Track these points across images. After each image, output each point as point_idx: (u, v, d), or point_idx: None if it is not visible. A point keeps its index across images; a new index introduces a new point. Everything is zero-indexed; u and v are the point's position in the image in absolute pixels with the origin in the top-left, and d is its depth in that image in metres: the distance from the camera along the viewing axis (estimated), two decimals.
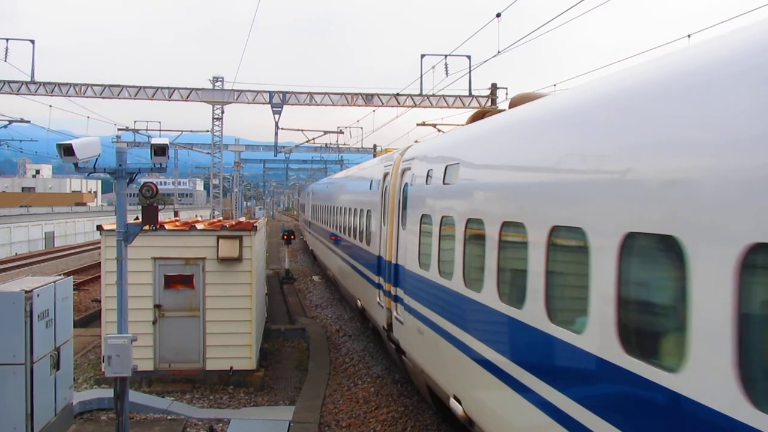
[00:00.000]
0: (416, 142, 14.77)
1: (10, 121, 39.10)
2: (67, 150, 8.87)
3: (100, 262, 14.51)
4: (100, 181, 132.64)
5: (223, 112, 43.82)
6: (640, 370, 4.92)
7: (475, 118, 12.15)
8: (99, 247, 15.33)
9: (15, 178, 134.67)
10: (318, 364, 16.72)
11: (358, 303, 18.29)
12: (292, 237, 34.68)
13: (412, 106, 32.77)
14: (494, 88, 32.22)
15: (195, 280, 14.61)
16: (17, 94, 31.34)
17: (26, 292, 9.98)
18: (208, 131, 46.83)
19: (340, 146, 61.82)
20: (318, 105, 33.42)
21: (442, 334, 9.74)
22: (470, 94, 32.11)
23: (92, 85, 32.15)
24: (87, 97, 32.19)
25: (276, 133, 37.78)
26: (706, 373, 4.29)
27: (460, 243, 8.99)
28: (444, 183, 10.07)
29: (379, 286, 14.88)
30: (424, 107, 32.53)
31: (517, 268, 7.19)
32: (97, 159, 9.44)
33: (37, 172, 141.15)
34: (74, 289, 23.00)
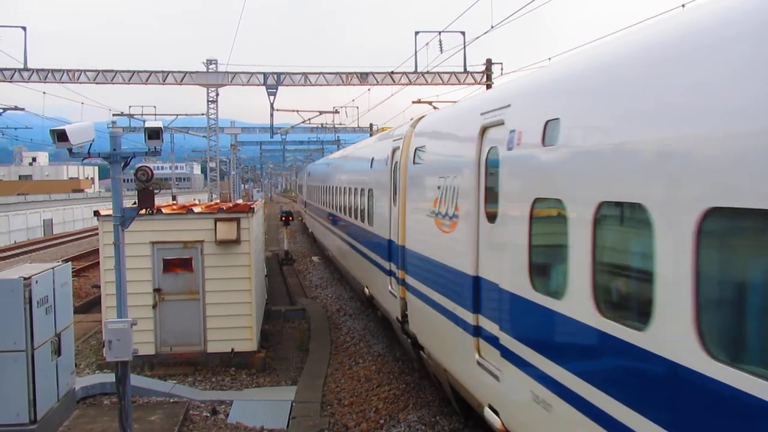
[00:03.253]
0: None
1: (5, 109, 38.93)
2: (61, 136, 8.83)
3: (98, 248, 14.51)
4: (97, 168, 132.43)
5: (217, 95, 43.58)
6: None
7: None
8: (98, 233, 15.34)
9: (12, 167, 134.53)
10: (319, 344, 16.78)
11: None
12: (290, 218, 34.82)
13: (407, 84, 32.59)
14: (489, 63, 32.01)
15: (194, 263, 14.62)
16: (10, 82, 31.10)
17: (25, 279, 10.00)
18: (203, 114, 46.63)
19: (336, 126, 61.65)
20: (313, 85, 33.21)
21: None
22: (465, 71, 31.92)
23: (86, 70, 31.90)
24: (81, 82, 31.92)
25: (271, 115, 37.65)
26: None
27: None
28: None
29: None
30: (419, 85, 32.32)
31: None
32: (91, 144, 9.40)
33: (34, 159, 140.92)
34: (74, 276, 23.00)
